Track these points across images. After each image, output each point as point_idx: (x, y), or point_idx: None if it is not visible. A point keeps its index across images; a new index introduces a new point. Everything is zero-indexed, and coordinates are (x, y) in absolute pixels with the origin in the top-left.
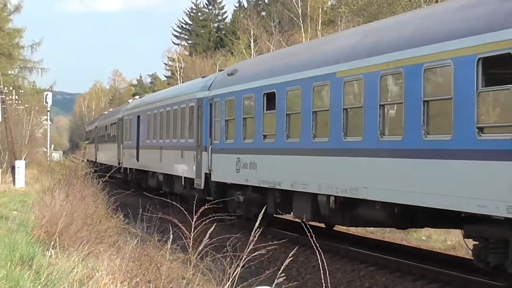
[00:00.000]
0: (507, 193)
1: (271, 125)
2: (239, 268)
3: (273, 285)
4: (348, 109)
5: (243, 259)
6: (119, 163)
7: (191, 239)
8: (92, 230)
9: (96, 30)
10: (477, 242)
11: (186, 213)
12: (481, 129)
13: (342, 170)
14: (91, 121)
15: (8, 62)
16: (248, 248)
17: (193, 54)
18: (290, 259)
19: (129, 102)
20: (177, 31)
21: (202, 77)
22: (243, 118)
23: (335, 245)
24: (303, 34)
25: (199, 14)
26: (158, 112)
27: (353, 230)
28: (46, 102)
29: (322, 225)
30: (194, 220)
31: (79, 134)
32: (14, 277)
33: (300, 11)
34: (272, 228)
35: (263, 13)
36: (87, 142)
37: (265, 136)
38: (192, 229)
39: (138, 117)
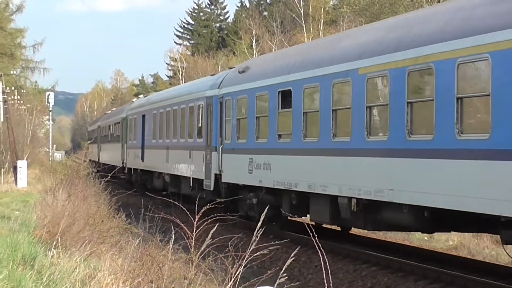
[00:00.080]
0: None
1: (287, 124)
2: (241, 268)
3: (275, 285)
4: (372, 107)
5: (245, 259)
6: (123, 163)
7: (193, 239)
8: (94, 230)
9: (98, 30)
10: None
11: (188, 213)
12: None
13: (365, 171)
14: (93, 121)
15: (10, 62)
16: (250, 248)
17: (195, 54)
18: (292, 259)
19: (133, 101)
20: (179, 31)
21: (211, 75)
22: (256, 117)
23: (337, 245)
24: (305, 34)
25: (201, 14)
26: (164, 111)
27: (354, 230)
28: (48, 102)
29: (328, 226)
30: (196, 220)
31: (81, 134)
32: (16, 277)
33: (302, 11)
34: (286, 230)
35: (265, 13)
36: (89, 142)
37: (280, 136)
38: (194, 229)
39: (143, 116)
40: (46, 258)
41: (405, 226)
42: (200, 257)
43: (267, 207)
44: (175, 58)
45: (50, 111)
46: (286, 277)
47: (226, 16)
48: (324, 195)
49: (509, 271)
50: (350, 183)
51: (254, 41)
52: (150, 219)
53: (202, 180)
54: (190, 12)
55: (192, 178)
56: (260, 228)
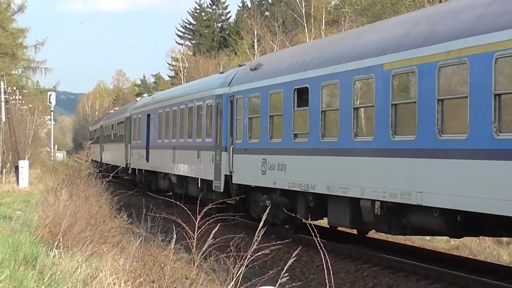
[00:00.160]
0: None
1: (303, 123)
2: (243, 268)
3: (277, 285)
4: (398, 105)
5: (246, 259)
6: (126, 164)
7: (195, 239)
8: (96, 230)
9: (99, 30)
10: None
11: (190, 213)
12: None
13: (391, 173)
14: (96, 121)
15: (12, 62)
16: (251, 248)
17: (197, 54)
18: (293, 259)
19: (136, 101)
20: (181, 31)
21: (220, 73)
22: (270, 116)
23: (338, 245)
24: (307, 34)
25: (203, 14)
26: (170, 110)
27: (354, 230)
28: (50, 102)
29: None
30: (197, 220)
31: (82, 134)
32: (18, 277)
33: (303, 11)
34: (300, 234)
35: (267, 13)
36: (91, 142)
37: (296, 135)
38: (196, 229)
39: (148, 115)
40: (47, 258)
41: (434, 230)
42: (202, 257)
43: (268, 208)
44: (177, 58)
45: (51, 111)
46: (288, 277)
47: (228, 16)
48: (344, 198)
49: (510, 271)
50: (373, 185)
51: (255, 41)
52: (151, 219)
53: (211, 181)
54: (191, 12)
55: (201, 179)
56: (262, 228)
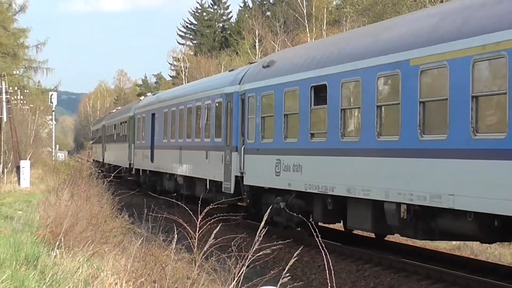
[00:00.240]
0: None
1: (321, 122)
2: (244, 268)
3: (278, 285)
4: (426, 102)
5: (248, 259)
6: (130, 164)
7: (196, 239)
8: (97, 230)
9: (100, 30)
10: None
11: (191, 213)
12: None
13: (418, 174)
14: (97, 120)
15: (13, 62)
16: (253, 248)
17: (198, 54)
18: (295, 259)
19: (140, 100)
20: (182, 31)
21: (229, 71)
22: (285, 115)
23: (340, 245)
24: (308, 34)
25: (204, 14)
26: (177, 110)
27: (355, 230)
28: (51, 102)
29: (330, 225)
30: (199, 220)
31: (84, 134)
32: (19, 277)
33: (305, 11)
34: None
35: (268, 13)
36: (92, 142)
37: (312, 135)
38: (197, 229)
39: (153, 115)
40: (49, 258)
41: (466, 235)
42: (203, 257)
43: (270, 207)
44: (178, 58)
45: (53, 111)
46: (289, 277)
47: (229, 16)
48: (366, 200)
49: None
50: (399, 187)
51: (257, 41)
52: (153, 219)
53: (221, 182)
54: (193, 12)
55: (209, 180)
56: (263, 228)
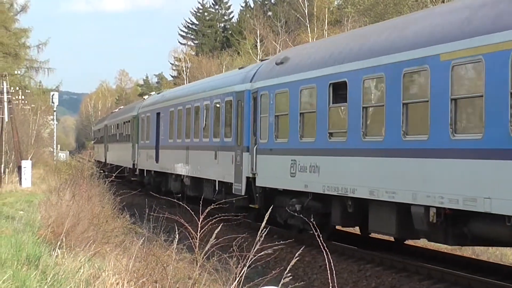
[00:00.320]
0: None
1: (341, 121)
2: (246, 268)
3: (280, 285)
4: (459, 99)
5: (249, 259)
6: (133, 165)
7: (198, 239)
8: (99, 230)
9: (102, 30)
10: None
11: (193, 213)
12: None
13: (450, 176)
14: (100, 120)
15: (15, 62)
16: (254, 248)
17: (200, 54)
18: (296, 259)
19: (144, 99)
20: (184, 31)
21: (239, 68)
22: (300, 114)
23: (341, 245)
24: (310, 34)
25: (206, 14)
26: (183, 109)
27: (356, 230)
28: (53, 102)
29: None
30: (200, 220)
31: (85, 134)
32: (21, 277)
33: (306, 11)
34: (334, 241)
35: (270, 13)
36: (93, 141)
37: (331, 134)
38: (199, 229)
39: (158, 114)
40: (50, 258)
41: (503, 241)
42: (205, 257)
43: (270, 207)
44: (180, 58)
45: (54, 111)
46: (291, 277)
47: (231, 16)
48: (389, 203)
49: None
50: (428, 190)
51: (258, 41)
52: (154, 219)
53: (230, 183)
54: (194, 12)
55: (218, 181)
56: (264, 228)
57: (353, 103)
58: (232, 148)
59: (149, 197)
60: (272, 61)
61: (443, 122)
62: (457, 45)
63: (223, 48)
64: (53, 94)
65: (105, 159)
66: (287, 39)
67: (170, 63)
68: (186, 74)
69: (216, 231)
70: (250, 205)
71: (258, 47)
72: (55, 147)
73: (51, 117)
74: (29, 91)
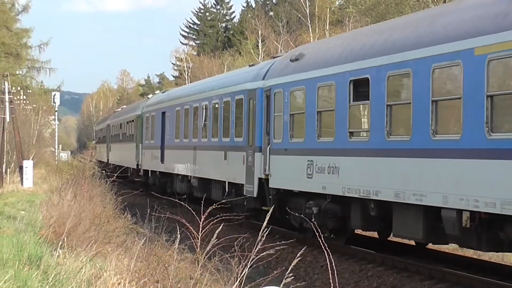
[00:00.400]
0: None
1: (362, 120)
2: (247, 268)
3: (281, 285)
4: (495, 96)
5: (251, 259)
6: (137, 165)
7: (199, 239)
8: (100, 230)
9: (103, 30)
10: None
11: (194, 213)
12: None
13: (486, 178)
14: (102, 119)
15: (16, 62)
16: (256, 248)
17: (201, 54)
18: (298, 259)
19: (148, 98)
20: (185, 31)
21: (250, 66)
22: (318, 112)
23: (343, 245)
24: (311, 34)
25: (207, 14)
26: (190, 108)
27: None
28: (54, 102)
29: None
30: (202, 220)
31: (87, 134)
32: (22, 277)
33: (308, 11)
34: (352, 245)
35: (271, 13)
36: (95, 141)
37: (351, 134)
38: (200, 229)
39: (163, 113)
40: (52, 258)
41: None
42: (206, 257)
43: (271, 208)
44: (181, 58)
45: (56, 111)
46: (292, 277)
47: (232, 16)
48: (416, 206)
49: None
50: (461, 192)
51: (260, 41)
52: (156, 219)
53: (241, 185)
54: (196, 12)
55: (228, 182)
56: (266, 228)
57: (376, 101)
58: (243, 148)
59: (151, 197)
60: (286, 57)
61: (478, 120)
62: (494, 38)
63: (224, 48)
64: (55, 94)
65: (108, 159)
66: (289, 39)
67: (172, 63)
68: (187, 74)
69: (217, 231)
70: (263, 207)
71: (260, 47)
72: (56, 147)
73: (53, 117)
74: (30, 91)
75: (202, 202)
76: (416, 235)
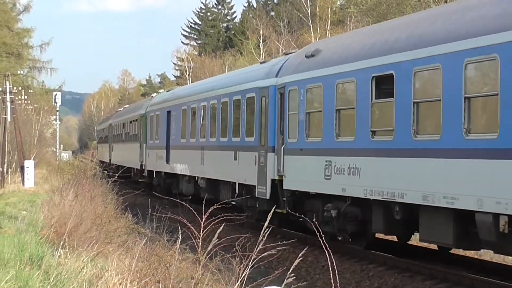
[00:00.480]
0: None
1: (386, 118)
2: (248, 268)
3: (283, 285)
4: None
5: (252, 259)
6: (141, 165)
7: (200, 239)
8: (101, 230)
9: (104, 30)
10: None
11: (196, 213)
12: None
13: None
14: (104, 119)
15: (17, 62)
16: (257, 248)
17: (202, 54)
18: (299, 259)
19: (152, 97)
20: (186, 31)
21: (261, 63)
22: (337, 110)
23: (344, 245)
24: (312, 34)
25: (208, 14)
26: (198, 106)
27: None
28: (55, 102)
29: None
30: (203, 220)
31: (88, 134)
32: (24, 277)
33: (309, 11)
34: (372, 250)
35: (272, 13)
36: (96, 141)
37: (374, 133)
38: (201, 229)
39: (169, 112)
40: (53, 258)
41: None
42: (207, 257)
43: (272, 210)
44: (182, 58)
45: (57, 111)
46: (294, 277)
47: (233, 16)
48: (446, 209)
49: None
50: (497, 195)
51: (261, 41)
52: (157, 219)
53: (252, 186)
54: (197, 12)
55: (238, 183)
56: (267, 228)
57: (402, 98)
58: (255, 148)
59: (152, 197)
60: (301, 54)
61: None
62: None
63: (225, 48)
64: (56, 94)
65: (110, 160)
66: (290, 39)
67: (173, 63)
68: (188, 74)
69: (218, 231)
70: (277, 210)
71: (261, 47)
72: (57, 147)
73: (54, 117)
74: (31, 91)
75: (204, 202)
76: (445, 240)
